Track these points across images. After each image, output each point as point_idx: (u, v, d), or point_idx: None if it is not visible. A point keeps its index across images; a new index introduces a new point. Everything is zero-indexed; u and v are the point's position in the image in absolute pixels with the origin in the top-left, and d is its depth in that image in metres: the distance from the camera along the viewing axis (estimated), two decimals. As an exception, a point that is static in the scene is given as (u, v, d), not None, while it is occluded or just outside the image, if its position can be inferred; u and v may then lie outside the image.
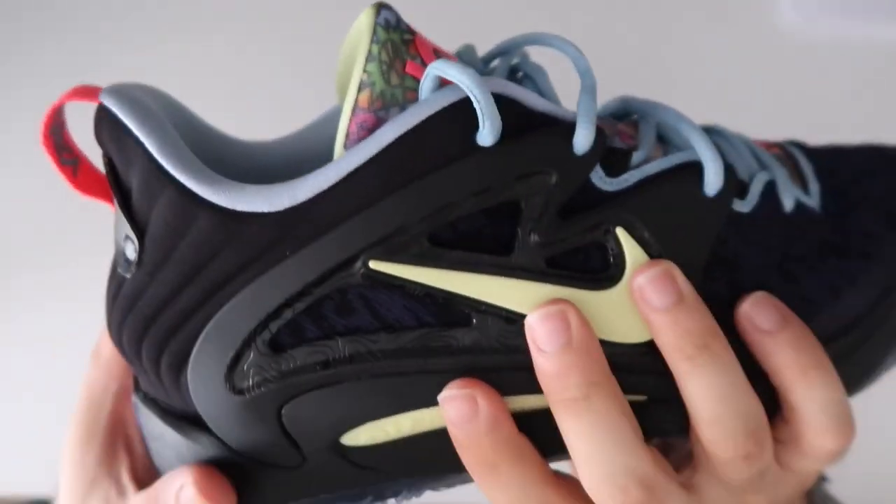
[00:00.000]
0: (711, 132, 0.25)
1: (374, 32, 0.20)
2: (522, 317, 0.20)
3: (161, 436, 0.21)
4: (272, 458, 0.20)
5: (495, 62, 0.23)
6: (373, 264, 0.19)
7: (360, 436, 0.21)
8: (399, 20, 0.20)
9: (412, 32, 0.21)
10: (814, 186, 0.24)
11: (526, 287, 0.20)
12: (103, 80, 0.21)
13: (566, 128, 0.20)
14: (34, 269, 0.40)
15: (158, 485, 0.22)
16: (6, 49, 0.42)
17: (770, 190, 0.23)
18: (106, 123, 0.20)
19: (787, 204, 0.23)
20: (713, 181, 0.21)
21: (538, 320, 0.20)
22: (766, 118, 0.38)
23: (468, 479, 0.22)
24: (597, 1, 0.41)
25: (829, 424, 0.20)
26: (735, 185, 0.22)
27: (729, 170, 0.22)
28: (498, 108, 0.20)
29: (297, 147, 0.25)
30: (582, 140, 0.20)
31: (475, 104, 0.19)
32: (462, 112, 0.19)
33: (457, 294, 0.20)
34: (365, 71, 0.20)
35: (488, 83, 0.20)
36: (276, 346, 0.20)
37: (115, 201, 0.20)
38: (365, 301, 0.20)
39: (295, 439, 0.20)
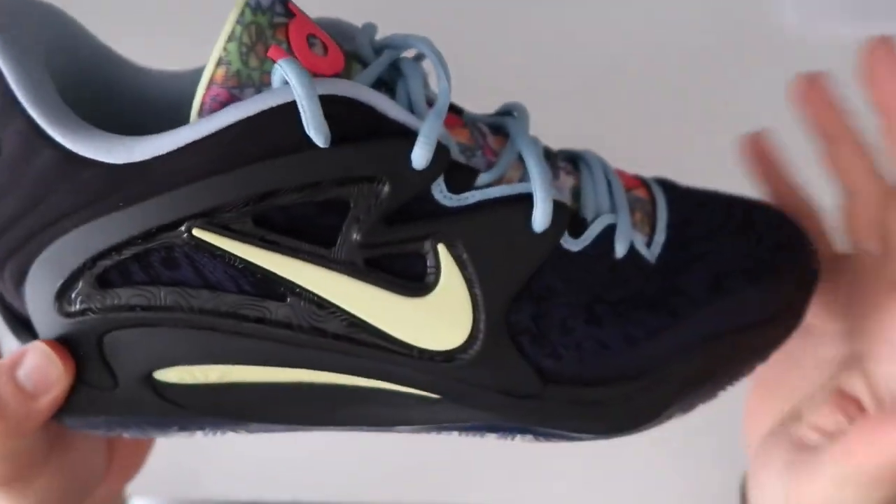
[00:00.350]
0: (579, 161, 0.25)
1: (242, 13, 0.20)
2: (333, 305, 0.22)
3: None
4: (88, 377, 0.23)
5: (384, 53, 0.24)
6: (196, 232, 0.21)
7: (171, 375, 0.23)
8: (273, 5, 0.21)
9: (289, 15, 0.21)
10: (660, 237, 0.25)
11: (341, 280, 0.22)
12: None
13: (410, 140, 0.21)
14: None
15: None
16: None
17: (608, 233, 0.24)
18: None
19: (620, 250, 0.24)
20: (540, 219, 0.22)
21: None
22: (766, 118, 0.38)
23: (272, 429, 0.25)
24: (597, 1, 0.40)
25: None
26: (563, 225, 0.23)
27: (560, 209, 0.23)
28: (347, 111, 0.21)
29: (189, 81, 0.26)
30: (418, 157, 0.21)
31: (300, 107, 0.20)
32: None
33: (274, 273, 0.21)
34: (224, 48, 0.20)
35: (336, 86, 0.20)
36: (104, 283, 0.22)
37: None
38: (190, 260, 0.21)
39: (111, 366, 0.22)
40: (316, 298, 0.22)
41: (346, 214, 0.21)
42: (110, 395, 0.23)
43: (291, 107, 0.20)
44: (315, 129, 0.20)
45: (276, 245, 0.21)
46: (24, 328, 0.23)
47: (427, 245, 0.22)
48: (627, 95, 0.40)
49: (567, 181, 0.25)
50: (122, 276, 0.22)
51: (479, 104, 0.27)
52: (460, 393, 0.23)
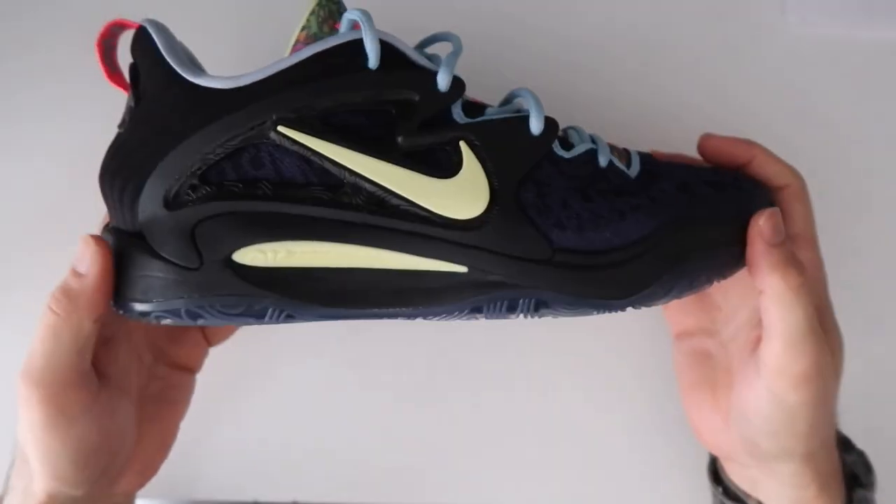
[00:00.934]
0: (570, 130, 0.33)
1: (319, 0, 0.30)
2: (379, 185, 0.28)
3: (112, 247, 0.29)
4: (179, 258, 0.28)
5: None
6: (280, 128, 0.28)
7: (246, 256, 0.28)
8: (341, 2, 0.31)
9: (345, 9, 0.31)
10: (635, 167, 0.31)
11: (386, 166, 0.28)
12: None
13: (436, 72, 0.29)
14: (30, 262, 0.40)
15: None
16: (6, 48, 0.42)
17: (592, 152, 0.31)
18: (142, 37, 0.31)
19: (602, 161, 0.30)
20: (535, 126, 0.29)
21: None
22: (766, 118, 0.40)
23: (321, 313, 0.28)
24: (597, 0, 0.41)
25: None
26: (555, 130, 0.30)
27: (550, 120, 0.30)
28: (389, 53, 0.29)
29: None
30: (441, 80, 0.29)
31: (364, 38, 0.28)
32: (360, 46, 0.29)
33: (335, 160, 0.28)
34: (307, 19, 0.30)
35: (383, 34, 0.29)
36: (204, 180, 0.28)
37: (130, 83, 0.30)
38: (271, 157, 0.28)
39: (199, 249, 0.28)
40: (368, 182, 0.28)
41: (389, 120, 0.29)
42: (193, 276, 0.28)
43: (353, 44, 0.29)
44: (373, 52, 0.28)
45: (338, 139, 0.28)
46: (132, 236, 0.29)
47: (451, 143, 0.29)
48: (627, 95, 0.40)
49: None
50: (218, 174, 0.28)
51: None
52: (483, 262, 0.28)
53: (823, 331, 0.30)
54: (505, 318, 0.29)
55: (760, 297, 0.30)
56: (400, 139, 0.28)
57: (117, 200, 0.29)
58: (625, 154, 0.32)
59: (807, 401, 0.29)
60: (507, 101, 0.32)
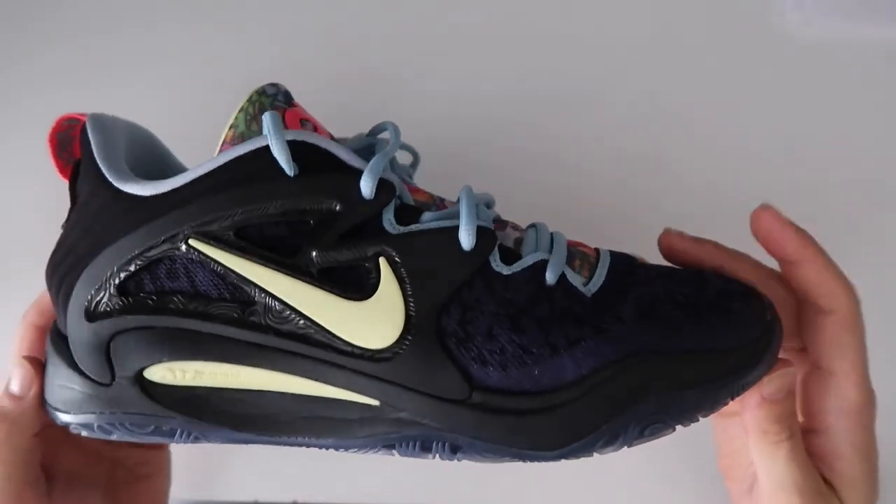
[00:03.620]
0: (531, 226, 0.29)
1: (251, 96, 0.29)
2: (291, 307, 0.26)
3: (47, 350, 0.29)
4: (91, 371, 0.27)
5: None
6: (192, 241, 0.27)
7: (156, 373, 0.27)
8: (277, 94, 0.29)
9: (289, 104, 0.29)
10: (598, 280, 0.27)
11: (298, 285, 0.26)
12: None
13: (360, 176, 0.27)
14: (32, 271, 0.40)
15: None
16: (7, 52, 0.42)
17: (540, 265, 0.27)
18: (83, 135, 0.30)
19: (550, 277, 0.26)
20: (465, 240, 0.26)
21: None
22: (766, 118, 0.39)
23: (229, 437, 0.27)
24: (596, 1, 0.41)
25: None
26: (490, 244, 0.26)
27: (484, 232, 0.26)
28: (311, 153, 0.27)
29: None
30: (365, 187, 0.27)
31: (270, 144, 0.26)
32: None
33: (246, 278, 0.26)
34: (235, 117, 0.28)
35: (303, 135, 0.27)
36: (122, 291, 0.27)
37: (70, 181, 0.30)
38: (186, 270, 0.27)
39: (112, 363, 0.27)
40: (277, 301, 0.26)
41: (307, 231, 0.26)
42: (105, 392, 0.27)
43: (267, 149, 0.27)
44: (284, 161, 0.26)
45: (250, 254, 0.26)
46: (65, 345, 0.29)
47: (371, 258, 0.26)
48: (626, 95, 0.40)
49: (512, 234, 0.29)
50: (135, 285, 0.27)
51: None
52: (393, 397, 0.25)
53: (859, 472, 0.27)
54: (421, 457, 0.26)
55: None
56: (314, 254, 0.26)
57: (55, 300, 0.29)
58: (592, 260, 0.28)
59: None
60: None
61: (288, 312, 0.26)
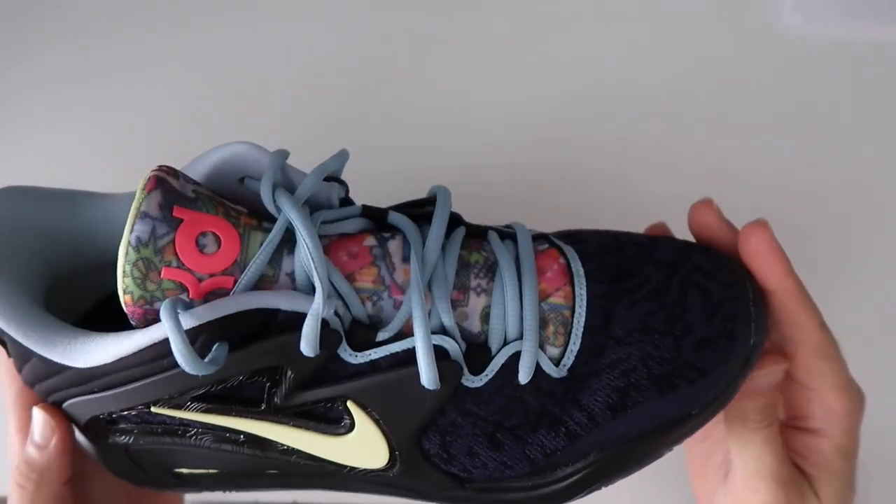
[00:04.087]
0: (497, 272, 0.26)
1: (126, 254, 0.23)
2: (276, 441, 0.26)
3: None
4: (125, 471, 0.30)
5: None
6: (154, 409, 0.26)
7: (185, 470, 0.30)
8: (155, 228, 0.23)
9: (174, 227, 0.23)
10: (574, 347, 0.25)
11: (275, 427, 0.26)
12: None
13: (299, 332, 0.24)
14: None
15: None
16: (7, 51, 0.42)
17: (512, 362, 0.25)
18: None
19: (523, 378, 0.25)
20: (427, 381, 0.24)
21: None
22: (767, 118, 0.39)
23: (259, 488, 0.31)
24: (596, 1, 0.40)
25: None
26: (457, 378, 0.25)
27: (450, 370, 0.24)
28: (240, 320, 0.23)
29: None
30: (306, 349, 0.24)
31: (171, 344, 0.22)
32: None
33: (222, 426, 0.26)
34: (123, 282, 0.23)
35: (224, 306, 0.23)
36: (113, 423, 0.28)
37: None
38: (162, 420, 0.27)
39: (140, 464, 0.30)
40: (261, 438, 0.27)
41: (265, 388, 0.25)
42: (145, 477, 0.30)
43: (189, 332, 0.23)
44: (191, 367, 0.23)
45: (216, 411, 0.26)
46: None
47: (339, 402, 0.25)
48: (626, 95, 0.40)
49: (478, 303, 0.26)
50: (124, 419, 0.27)
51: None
52: (399, 492, 0.28)
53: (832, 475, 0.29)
54: None
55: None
56: (280, 404, 0.25)
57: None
58: (566, 315, 0.26)
59: None
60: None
61: (277, 446, 0.27)
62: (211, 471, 0.29)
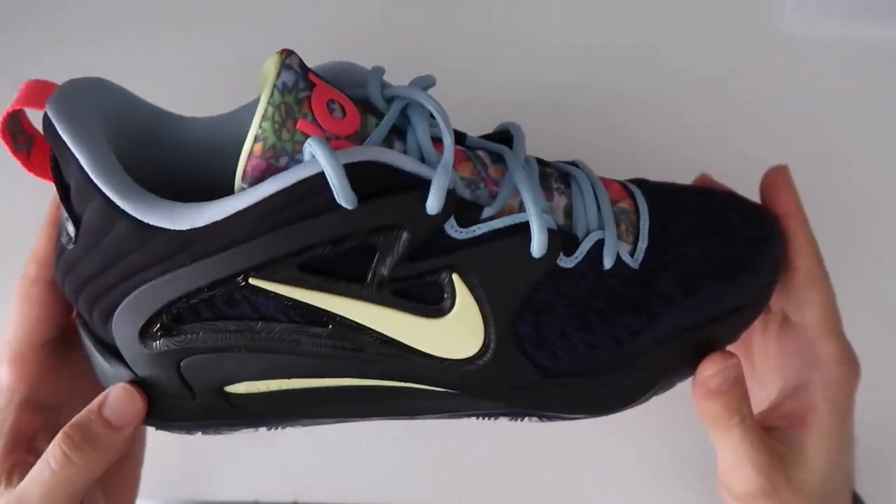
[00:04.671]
0: (571, 179, 0.29)
1: (271, 95, 0.24)
2: (368, 328, 0.26)
3: (92, 355, 0.28)
4: (170, 391, 0.27)
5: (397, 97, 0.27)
6: (251, 280, 0.25)
7: (239, 388, 0.28)
8: (297, 80, 0.24)
9: (311, 87, 0.25)
10: (642, 244, 0.28)
11: (372, 308, 0.26)
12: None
13: (423, 191, 0.25)
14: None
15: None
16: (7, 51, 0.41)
17: (597, 248, 0.28)
18: (49, 131, 0.25)
19: (607, 262, 0.28)
20: (538, 248, 0.26)
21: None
22: (767, 118, 0.40)
23: (320, 423, 0.29)
24: (597, 1, 0.41)
25: None
26: (558, 249, 0.27)
27: (555, 237, 0.26)
28: (368, 173, 0.24)
29: (226, 127, 0.29)
30: (432, 205, 0.25)
31: (329, 181, 0.23)
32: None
33: (317, 307, 0.26)
34: (260, 127, 0.24)
35: (357, 154, 0.24)
36: (178, 320, 0.26)
37: (57, 191, 0.25)
38: (248, 301, 0.26)
39: (189, 383, 0.27)
40: (353, 324, 0.26)
41: (374, 256, 0.25)
42: (190, 405, 0.28)
43: (320, 176, 0.24)
44: (344, 198, 0.24)
45: (317, 285, 0.25)
46: (112, 355, 0.28)
47: (444, 275, 0.26)
48: (626, 95, 0.40)
49: (560, 201, 0.28)
50: (193, 314, 0.26)
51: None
52: (477, 389, 0.28)
53: (836, 436, 0.29)
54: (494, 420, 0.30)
55: None
56: (384, 278, 0.26)
57: (85, 314, 0.27)
58: (633, 217, 0.29)
59: None
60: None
61: (367, 333, 0.26)
62: (270, 386, 0.28)
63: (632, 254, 0.28)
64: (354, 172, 0.24)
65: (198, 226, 0.24)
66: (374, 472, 0.41)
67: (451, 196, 0.25)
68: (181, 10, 0.41)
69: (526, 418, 0.29)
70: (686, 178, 0.37)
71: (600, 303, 0.28)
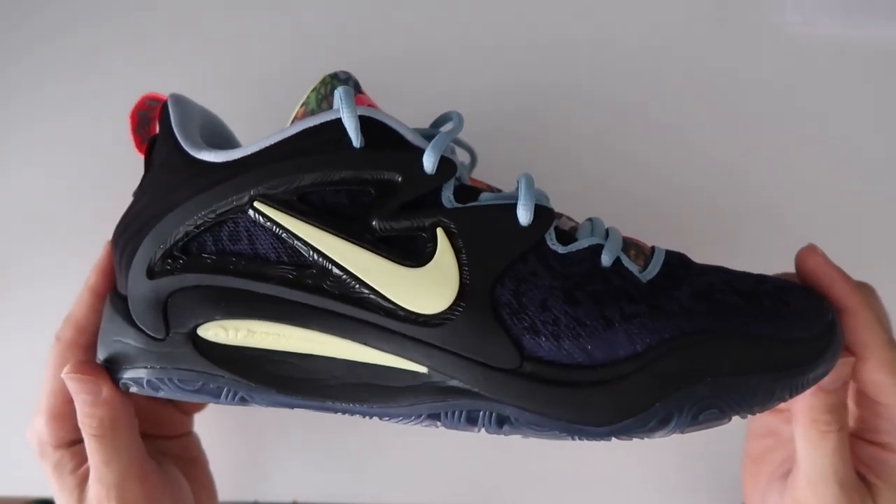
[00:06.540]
0: (589, 219, 0.29)
1: (324, 79, 0.30)
2: (347, 271, 0.26)
3: (103, 326, 0.30)
4: (148, 328, 0.28)
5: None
6: (257, 204, 0.27)
7: (209, 331, 0.27)
8: (348, 80, 0.30)
9: (358, 91, 0.31)
10: (654, 268, 0.27)
11: (356, 250, 0.27)
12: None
13: (422, 152, 0.28)
14: (35, 269, 0.40)
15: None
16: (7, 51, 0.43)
17: (596, 248, 0.27)
18: (164, 112, 0.32)
19: (605, 260, 0.26)
20: (523, 215, 0.26)
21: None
22: (767, 118, 0.40)
23: (274, 400, 0.27)
24: (597, 1, 0.42)
25: None
26: (547, 221, 0.26)
27: (542, 210, 0.27)
28: (378, 129, 0.28)
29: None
30: (427, 163, 0.27)
31: (342, 115, 0.27)
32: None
33: (306, 241, 0.27)
34: (308, 95, 0.30)
35: (372, 112, 0.28)
36: (185, 251, 0.28)
37: (146, 154, 0.31)
38: (248, 233, 0.28)
39: (168, 319, 0.28)
40: (335, 265, 0.26)
41: (368, 201, 0.27)
42: (158, 347, 0.27)
43: (338, 122, 0.28)
44: (352, 137, 0.27)
45: (311, 218, 0.27)
46: (117, 311, 0.29)
47: (429, 229, 0.26)
48: (626, 95, 0.40)
49: (567, 223, 0.29)
50: (199, 246, 0.28)
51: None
52: (443, 364, 0.25)
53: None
54: (466, 430, 0.26)
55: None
56: (375, 222, 0.27)
57: (118, 264, 0.30)
58: (647, 252, 0.28)
59: None
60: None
61: (344, 276, 0.26)
62: (238, 336, 0.27)
63: (640, 272, 0.27)
64: (368, 125, 0.28)
65: (232, 158, 0.28)
66: (374, 472, 0.39)
67: (449, 164, 0.28)
68: (181, 10, 0.43)
69: (491, 427, 0.25)
70: (686, 177, 0.38)
71: (593, 286, 0.25)
